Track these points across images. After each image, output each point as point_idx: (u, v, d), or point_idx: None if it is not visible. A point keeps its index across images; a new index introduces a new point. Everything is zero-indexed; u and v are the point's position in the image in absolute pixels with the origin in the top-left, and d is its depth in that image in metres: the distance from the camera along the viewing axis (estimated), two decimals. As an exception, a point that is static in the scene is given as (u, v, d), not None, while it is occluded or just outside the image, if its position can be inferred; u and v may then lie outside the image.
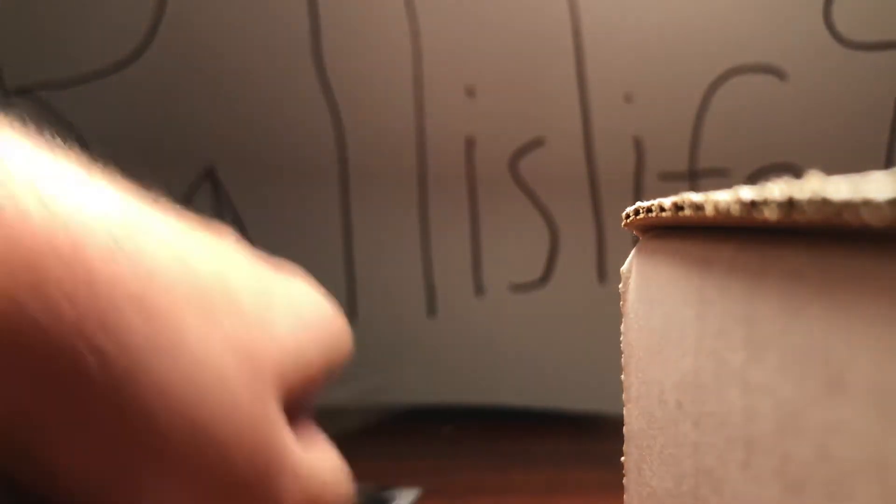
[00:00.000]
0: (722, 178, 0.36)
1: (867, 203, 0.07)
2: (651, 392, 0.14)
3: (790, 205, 0.08)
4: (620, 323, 0.16)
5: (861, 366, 0.08)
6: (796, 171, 0.36)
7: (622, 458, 0.16)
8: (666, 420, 0.13)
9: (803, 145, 0.35)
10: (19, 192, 0.11)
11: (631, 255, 0.16)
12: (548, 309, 0.39)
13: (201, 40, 0.36)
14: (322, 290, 0.20)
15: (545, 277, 0.39)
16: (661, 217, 0.13)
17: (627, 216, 0.15)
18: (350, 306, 0.39)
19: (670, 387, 0.13)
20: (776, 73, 0.35)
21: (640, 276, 0.15)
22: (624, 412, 0.16)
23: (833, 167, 0.10)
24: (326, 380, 0.17)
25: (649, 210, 0.13)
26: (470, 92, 0.36)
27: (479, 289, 0.39)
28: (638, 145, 0.37)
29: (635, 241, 0.16)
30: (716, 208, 0.10)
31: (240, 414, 0.13)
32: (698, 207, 0.11)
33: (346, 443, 0.39)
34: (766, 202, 0.09)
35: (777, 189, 0.09)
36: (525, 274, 0.39)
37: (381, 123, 0.37)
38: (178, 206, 0.15)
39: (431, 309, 0.39)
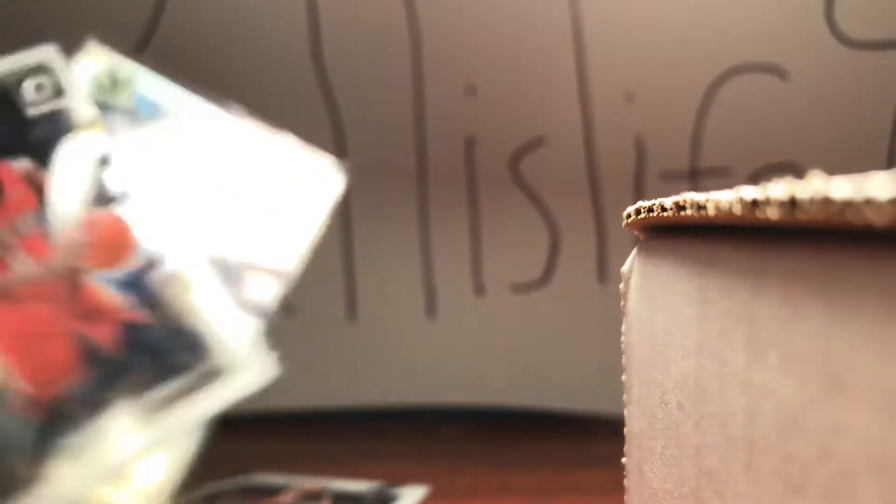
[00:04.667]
0: (723, 177, 0.36)
1: (870, 202, 0.07)
2: (652, 393, 0.14)
3: (792, 204, 0.08)
4: (621, 323, 0.16)
5: (862, 366, 0.08)
6: (798, 171, 0.36)
7: (623, 459, 0.16)
8: (667, 421, 0.13)
9: (805, 144, 0.35)
10: None
11: (632, 255, 0.16)
12: (548, 309, 0.39)
13: (200, 40, 0.36)
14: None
15: (545, 277, 0.39)
16: (663, 217, 0.13)
17: (628, 216, 0.15)
18: (350, 306, 0.39)
19: (672, 387, 0.13)
20: (778, 72, 0.35)
21: (641, 276, 0.15)
22: (625, 413, 0.16)
23: (835, 166, 0.10)
24: None
25: (650, 210, 0.13)
26: (470, 91, 0.36)
27: (479, 289, 0.39)
28: (639, 144, 0.37)
29: (636, 241, 0.16)
30: (717, 208, 0.10)
31: None
32: (700, 207, 0.11)
33: (348, 443, 0.39)
34: (768, 201, 0.09)
35: (779, 188, 0.09)
36: (525, 274, 0.39)
37: (381, 123, 0.37)
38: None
39: (431, 309, 0.39)
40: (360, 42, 0.36)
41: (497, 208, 0.38)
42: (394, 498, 0.28)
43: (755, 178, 0.36)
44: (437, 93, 0.36)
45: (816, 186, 0.08)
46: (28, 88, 0.25)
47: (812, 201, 0.08)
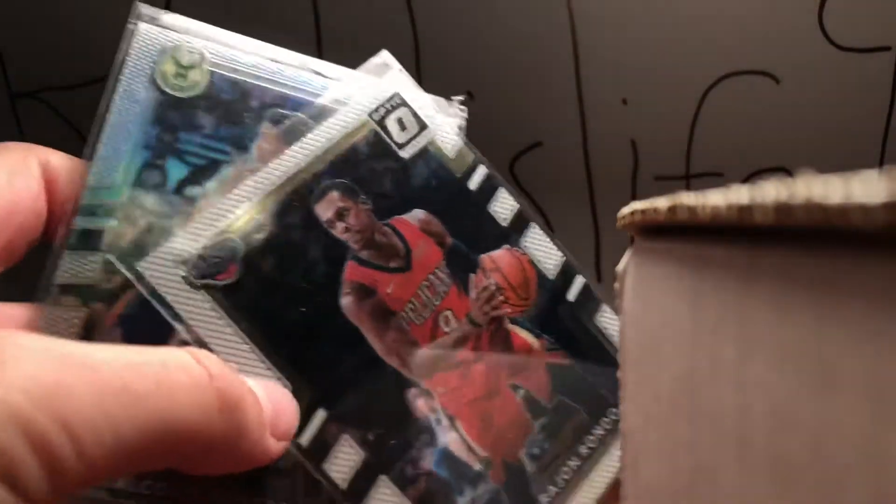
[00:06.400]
0: (717, 177, 0.37)
1: (861, 208, 0.07)
2: (647, 389, 0.14)
3: (783, 209, 0.08)
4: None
5: (852, 363, 0.08)
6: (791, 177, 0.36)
7: (618, 453, 0.16)
8: (661, 416, 0.13)
9: (798, 149, 0.36)
10: None
11: (626, 255, 0.16)
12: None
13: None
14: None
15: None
16: (656, 218, 0.13)
17: (623, 217, 0.15)
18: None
19: (665, 384, 0.13)
20: (770, 78, 0.35)
21: (636, 276, 0.15)
22: (620, 409, 0.16)
23: (828, 170, 0.10)
24: None
25: (644, 211, 0.13)
26: (469, 95, 0.36)
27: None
28: (634, 147, 0.37)
29: (631, 241, 0.16)
30: (709, 211, 0.10)
31: None
32: (692, 211, 0.11)
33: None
34: (759, 206, 0.09)
35: (770, 191, 0.09)
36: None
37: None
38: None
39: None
40: (360, 48, 0.36)
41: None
42: None
43: (749, 182, 0.36)
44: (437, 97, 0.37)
45: (807, 192, 0.08)
46: (392, 126, 0.22)
47: (802, 207, 0.08)
